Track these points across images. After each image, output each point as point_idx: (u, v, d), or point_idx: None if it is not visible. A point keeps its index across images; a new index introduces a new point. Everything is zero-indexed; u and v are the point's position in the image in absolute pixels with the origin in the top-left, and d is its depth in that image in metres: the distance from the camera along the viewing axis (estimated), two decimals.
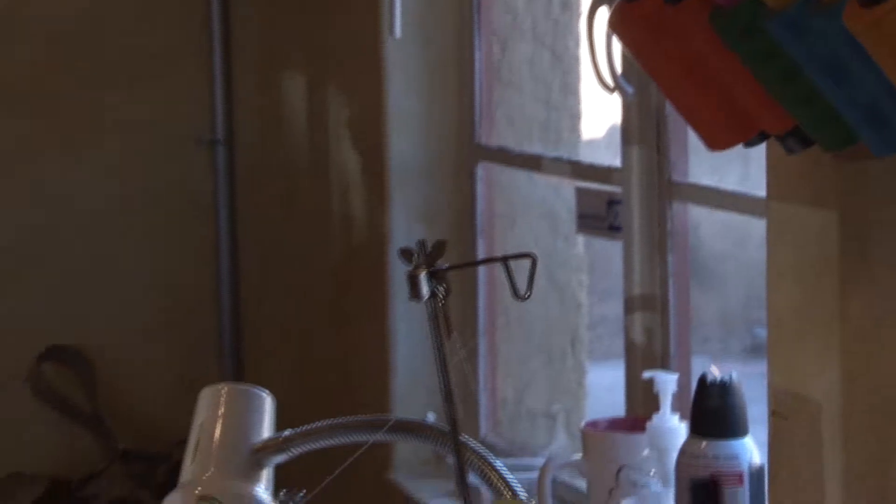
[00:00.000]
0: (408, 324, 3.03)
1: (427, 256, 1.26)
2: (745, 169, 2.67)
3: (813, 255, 1.75)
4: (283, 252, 3.64)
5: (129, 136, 3.79)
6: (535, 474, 2.17)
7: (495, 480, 1.55)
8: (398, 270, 3.00)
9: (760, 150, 1.79)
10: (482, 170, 3.00)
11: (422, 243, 1.27)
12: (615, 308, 3.39)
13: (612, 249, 3.16)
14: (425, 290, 1.26)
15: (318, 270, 3.42)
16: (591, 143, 3.14)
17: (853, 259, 1.70)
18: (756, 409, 1.93)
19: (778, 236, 1.82)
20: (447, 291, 1.27)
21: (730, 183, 2.43)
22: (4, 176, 3.67)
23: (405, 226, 3.02)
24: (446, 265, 1.27)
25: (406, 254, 1.27)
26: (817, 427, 1.76)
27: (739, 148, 1.70)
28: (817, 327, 1.76)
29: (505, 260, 1.27)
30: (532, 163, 2.90)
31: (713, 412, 1.92)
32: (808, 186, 1.75)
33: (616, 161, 2.51)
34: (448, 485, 3.02)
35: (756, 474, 1.91)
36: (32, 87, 3.74)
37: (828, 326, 1.73)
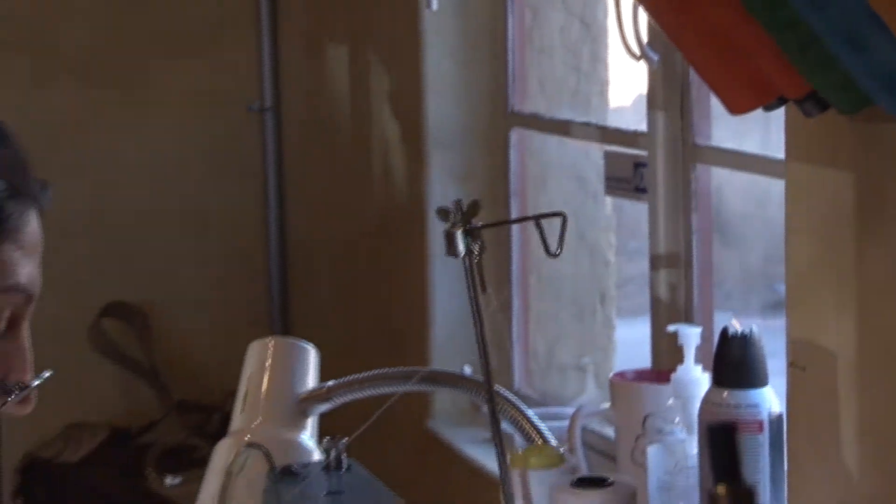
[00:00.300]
0: (446, 280, 3.03)
1: (463, 215, 1.26)
2: (765, 134, 2.65)
3: (829, 212, 1.74)
4: (327, 212, 3.64)
5: (186, 104, 3.81)
6: (565, 423, 2.16)
7: (527, 428, 1.54)
8: (436, 229, 2.99)
9: (779, 116, 1.78)
10: (515, 135, 3.00)
11: (458, 203, 1.26)
12: (642, 267, 3.38)
13: (639, 212, 3.15)
14: (461, 247, 1.25)
15: (360, 230, 3.42)
16: (619, 110, 3.12)
17: (868, 216, 1.69)
18: (776, 362, 1.93)
19: (796, 195, 1.81)
20: (481, 248, 1.26)
21: (750, 147, 2.41)
22: (71, 142, 3.67)
23: (442, 188, 3.02)
24: (480, 224, 1.26)
25: (443, 213, 1.26)
26: (833, 376, 1.75)
27: (759, 114, 1.69)
28: (833, 282, 1.75)
29: (537, 219, 1.26)
30: (562, 128, 2.89)
31: (734, 363, 1.91)
32: (824, 148, 1.73)
33: (642, 126, 2.49)
34: (483, 433, 3.01)
35: (775, 422, 1.91)
36: (96, 59, 3.76)
37: (843, 281, 1.72)
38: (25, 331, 1.34)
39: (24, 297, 1.32)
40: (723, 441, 0.71)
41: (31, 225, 1.32)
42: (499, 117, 3.02)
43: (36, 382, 1.34)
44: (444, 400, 3.09)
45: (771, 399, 1.91)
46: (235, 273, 3.84)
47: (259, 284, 3.84)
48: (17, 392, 1.32)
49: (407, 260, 3.15)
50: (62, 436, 3.67)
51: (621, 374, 2.18)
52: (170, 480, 3.57)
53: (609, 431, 2.42)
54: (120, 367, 3.79)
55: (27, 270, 1.31)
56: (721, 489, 0.71)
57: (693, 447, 2.00)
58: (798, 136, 1.78)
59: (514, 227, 2.96)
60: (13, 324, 1.33)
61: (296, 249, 3.82)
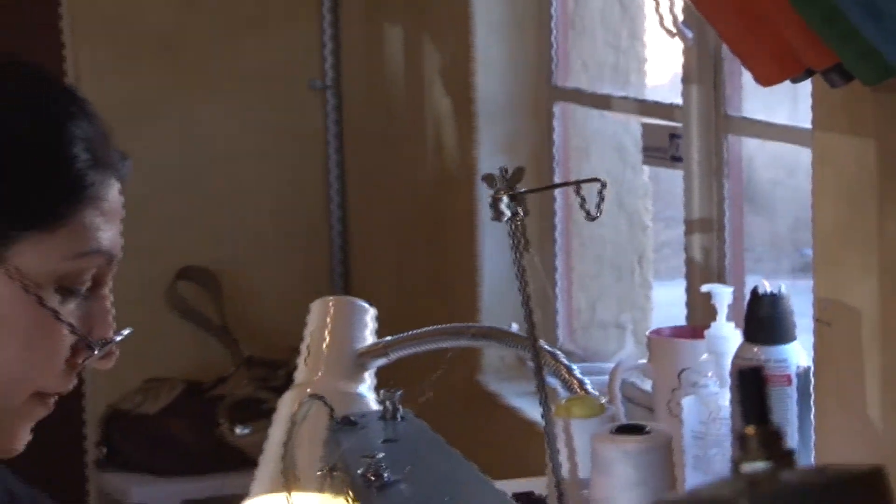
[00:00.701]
0: (493, 243, 3.04)
1: (507, 181, 1.24)
2: (793, 106, 2.63)
3: (853, 178, 1.72)
4: (384, 182, 3.65)
5: (253, 83, 3.82)
6: (606, 377, 2.16)
7: (570, 380, 1.53)
8: (484, 196, 3.00)
9: (805, 88, 1.76)
10: (558, 108, 2.99)
11: (503, 170, 1.25)
12: (676, 233, 3.37)
13: (673, 181, 3.14)
14: (506, 211, 1.24)
15: (414, 197, 3.42)
16: (655, 88, 3.10)
17: (890, 181, 1.67)
18: (803, 321, 1.91)
19: (822, 162, 1.79)
20: (525, 212, 1.25)
21: (779, 118, 2.39)
22: (149, 117, 3.69)
23: (490, 158, 3.02)
24: (524, 189, 1.25)
25: (489, 179, 1.25)
26: (858, 332, 1.74)
27: (787, 86, 1.67)
28: (858, 243, 1.73)
29: (576, 184, 1.24)
30: (603, 102, 2.88)
31: (764, 320, 1.90)
32: (848, 117, 1.72)
33: (677, 100, 2.48)
34: (529, 386, 3.01)
35: (803, 375, 1.90)
36: (170, 41, 3.77)
37: (867, 242, 1.70)
38: (108, 291, 1.34)
39: (106, 260, 1.32)
40: (751, 384, 0.69)
41: (112, 193, 1.32)
42: (543, 92, 3.01)
43: (118, 338, 1.34)
44: (491, 356, 3.09)
45: (799, 354, 1.90)
46: (299, 238, 3.85)
47: (321, 248, 3.85)
48: (100, 347, 1.32)
49: (457, 225, 3.15)
50: (141, 389, 3.68)
51: (658, 331, 2.17)
52: (240, 430, 3.58)
53: (646, 385, 2.41)
54: (194, 325, 3.81)
55: (109, 235, 1.31)
56: (750, 430, 0.69)
57: (725, 399, 1.99)
58: (824, 106, 1.76)
59: (558, 194, 2.95)
60: (96, 284, 1.33)
61: (354, 216, 3.83)
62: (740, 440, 0.69)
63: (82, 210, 1.29)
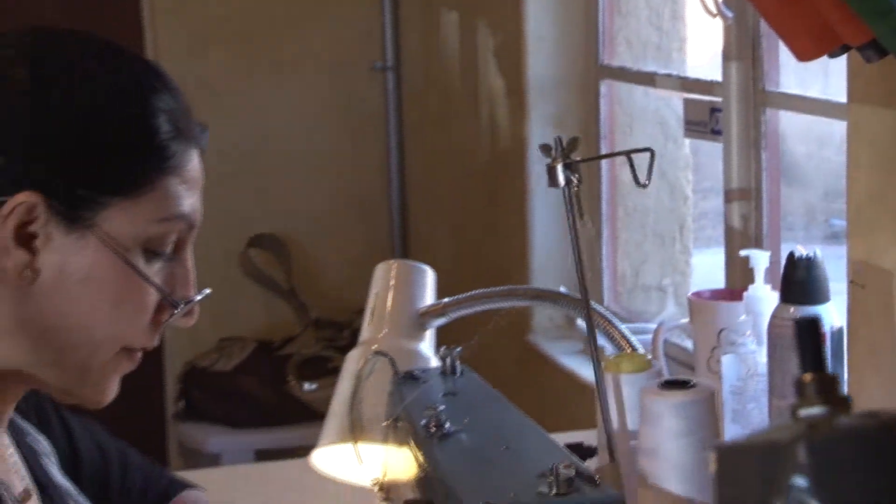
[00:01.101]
0: (542, 211, 3.04)
1: (563, 151, 1.22)
2: (825, 81, 2.59)
3: (887, 148, 1.70)
4: (440, 155, 3.65)
5: (319, 64, 3.84)
6: (649, 336, 2.15)
7: (618, 338, 1.52)
8: (535, 168, 3.01)
9: (837, 65, 1.74)
10: (605, 86, 2.98)
11: (559, 140, 1.23)
12: (711, 204, 3.34)
13: (709, 156, 3.12)
14: (561, 178, 1.22)
15: (469, 170, 3.41)
16: (695, 68, 3.08)
17: None
18: (833, 285, 1.89)
19: (856, 134, 1.77)
20: (579, 180, 1.23)
21: (812, 94, 2.37)
22: (223, 96, 3.70)
23: (540, 133, 3.02)
24: (579, 158, 1.23)
25: (546, 148, 1.23)
26: (889, 292, 1.71)
27: (820, 64, 1.65)
28: (890, 210, 1.70)
29: (628, 153, 1.23)
30: (646, 79, 2.86)
31: (799, 282, 1.88)
32: (882, 90, 1.69)
33: (717, 77, 2.46)
34: (576, 345, 3.01)
35: (836, 334, 1.88)
36: (245, 25, 3.78)
37: None
38: (189, 254, 1.34)
39: (187, 225, 1.32)
40: (809, 334, 0.68)
41: (193, 162, 1.32)
42: (590, 70, 3.00)
43: (198, 297, 1.34)
44: (541, 316, 3.10)
45: (832, 314, 1.88)
46: (361, 208, 3.86)
47: (381, 217, 3.86)
48: (182, 306, 1.32)
49: (509, 195, 3.14)
50: (216, 348, 3.70)
51: (699, 294, 2.15)
52: (307, 386, 3.60)
53: (687, 344, 2.40)
54: (265, 289, 3.82)
55: (190, 202, 1.31)
56: (807, 377, 0.68)
57: (762, 357, 1.97)
58: (859, 80, 1.74)
59: (604, 166, 2.95)
60: (178, 248, 1.33)
61: (412, 186, 3.84)
62: (798, 387, 0.67)
63: (165, 178, 1.29)
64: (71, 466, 1.55)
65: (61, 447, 1.55)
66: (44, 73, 1.27)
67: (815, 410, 0.66)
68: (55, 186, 1.25)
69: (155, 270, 1.30)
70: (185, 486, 1.68)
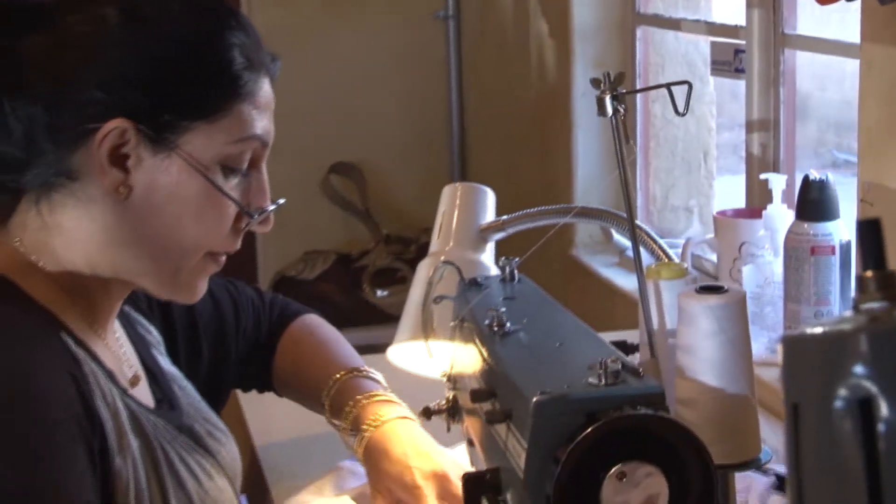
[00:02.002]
0: (585, 140, 3.03)
1: (611, 84, 1.20)
2: (840, 28, 2.54)
3: (894, 81, 1.65)
4: (495, 93, 3.63)
5: (388, 13, 3.80)
6: (678, 250, 2.13)
7: (656, 250, 1.49)
8: (578, 104, 2.99)
9: (849, 10, 1.70)
10: (640, 31, 2.93)
11: (607, 74, 1.20)
12: (725, 136, 3.30)
13: (727, 92, 3.08)
14: (609, 108, 1.19)
15: (520, 105, 3.39)
16: (721, 13, 3.02)
17: None
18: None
19: (868, 69, 1.72)
20: (625, 110, 1.20)
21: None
22: (310, 40, 3.69)
23: (583, 73, 3.00)
24: (624, 90, 1.20)
25: (596, 82, 1.20)
26: (894, 210, 1.68)
27: (827, 12, 1.61)
28: None
29: (668, 86, 1.19)
30: (677, 24, 2.81)
31: (813, 202, 1.86)
32: (893, 30, 1.64)
33: (741, 21, 2.41)
34: (613, 258, 3.00)
35: (845, 247, 1.85)
36: None
37: None
38: (263, 170, 1.33)
39: (260, 144, 1.31)
40: (870, 234, 0.65)
41: (264, 89, 1.31)
42: (627, 17, 2.96)
43: (272, 207, 1.33)
44: (583, 233, 3.08)
45: (841, 229, 1.86)
46: (428, 138, 3.85)
47: (444, 146, 3.86)
48: (257, 215, 1.32)
49: (555, 126, 3.12)
50: (302, 259, 3.71)
51: (723, 212, 2.13)
52: (379, 293, 3.60)
53: (712, 256, 2.38)
54: (343, 209, 3.82)
55: (262, 123, 1.31)
56: (868, 273, 0.65)
57: (779, 267, 1.95)
58: (871, 21, 1.69)
59: (639, 103, 2.92)
60: (253, 164, 1.32)
61: (471, 119, 3.82)
62: (860, 283, 0.65)
63: (239, 104, 1.28)
64: (189, 327, 1.54)
65: (179, 313, 1.54)
66: (133, 14, 1.25)
67: (875, 304, 0.64)
68: (143, 113, 1.24)
69: (232, 185, 1.30)
70: (296, 312, 1.68)
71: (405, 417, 1.49)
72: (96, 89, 1.23)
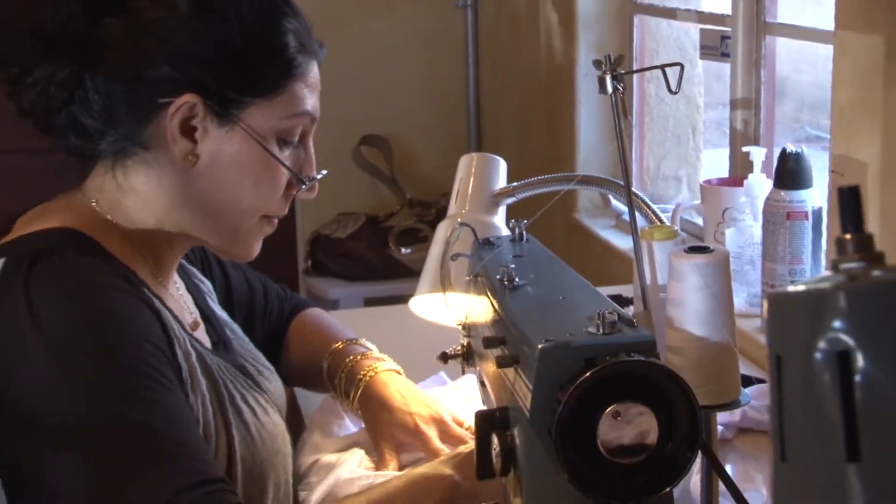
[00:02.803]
0: (586, 116, 3.00)
1: (611, 65, 1.18)
2: (802, 16, 2.51)
3: (865, 65, 1.63)
4: (508, 73, 3.60)
5: (413, 2, 3.78)
6: (668, 214, 2.11)
7: (650, 214, 1.47)
8: (581, 84, 2.96)
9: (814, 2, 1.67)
10: (637, 19, 2.90)
11: (608, 56, 1.19)
12: (710, 115, 3.26)
13: (711, 76, 3.05)
14: (610, 87, 1.17)
15: (530, 84, 3.37)
16: (709, 3, 2.99)
17: (893, 67, 1.58)
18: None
19: (841, 53, 1.70)
20: (623, 88, 1.18)
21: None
22: (342, 24, 3.66)
23: (585, 55, 2.97)
24: (623, 71, 1.19)
25: (598, 63, 1.19)
26: (864, 179, 1.66)
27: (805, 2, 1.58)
28: (866, 113, 1.64)
29: (662, 67, 1.17)
30: (670, 13, 2.78)
31: (789, 171, 1.85)
32: (864, 18, 1.62)
33: (727, 11, 2.38)
34: (610, 221, 2.99)
35: (817, 212, 1.84)
36: None
37: (873, 112, 1.62)
38: (310, 143, 1.33)
39: (310, 119, 1.31)
40: (849, 199, 0.64)
41: (314, 71, 1.31)
42: (626, 6, 2.93)
43: (319, 176, 1.34)
44: (584, 199, 3.07)
45: (814, 197, 1.84)
46: (447, 112, 3.83)
47: (462, 120, 3.84)
48: (307, 182, 1.32)
49: (561, 103, 3.10)
50: (335, 220, 3.70)
51: (709, 181, 2.12)
52: (403, 250, 3.60)
53: (699, 220, 2.36)
54: (372, 176, 3.81)
55: (312, 101, 1.31)
56: (846, 236, 0.64)
57: (758, 230, 1.93)
58: (845, 10, 1.66)
59: (635, 83, 2.89)
60: (303, 138, 1.33)
61: (486, 97, 3.80)
62: (838, 244, 0.63)
63: (293, 83, 1.28)
64: (225, 297, 1.56)
65: (219, 284, 1.56)
66: (202, 1, 1.25)
67: (853, 264, 0.62)
68: (210, 90, 1.24)
69: (286, 156, 1.30)
70: (309, 304, 1.70)
71: (395, 370, 1.51)
72: (169, 67, 1.23)
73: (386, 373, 1.51)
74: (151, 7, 1.24)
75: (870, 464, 0.56)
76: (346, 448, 1.49)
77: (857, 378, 0.58)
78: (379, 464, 1.45)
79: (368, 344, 1.59)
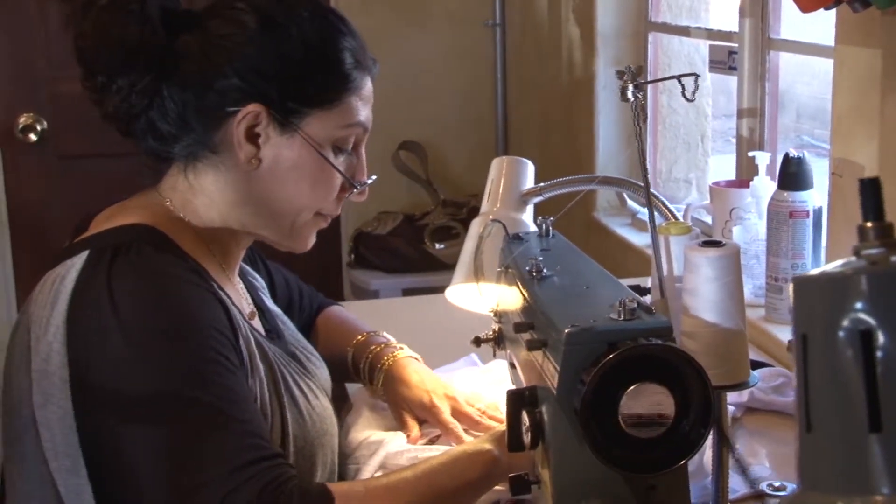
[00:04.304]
0: (605, 125, 2.99)
1: (632, 75, 1.17)
2: (802, 34, 2.48)
3: (863, 76, 1.61)
4: (533, 85, 3.59)
5: (447, 21, 3.77)
6: (680, 214, 2.09)
7: (665, 212, 1.46)
8: (600, 95, 2.95)
9: (824, 18, 1.65)
10: (651, 36, 2.89)
11: (629, 68, 1.18)
12: (724, 123, 3.24)
13: (717, 90, 3.03)
14: (631, 95, 1.16)
15: (553, 95, 3.35)
16: (717, 22, 2.97)
17: (889, 79, 1.55)
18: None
19: (841, 66, 1.68)
20: (644, 97, 1.17)
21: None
22: (383, 39, 3.66)
23: (605, 69, 2.95)
24: (643, 80, 1.18)
25: (620, 73, 1.18)
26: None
27: (803, 20, 1.56)
28: (864, 120, 1.62)
29: (679, 77, 1.16)
30: (682, 31, 2.76)
31: (792, 174, 1.83)
32: (863, 33, 1.59)
33: (734, 28, 2.36)
34: (627, 220, 2.97)
35: (817, 212, 1.82)
36: None
37: (871, 119, 1.60)
38: (363, 151, 1.34)
39: (363, 130, 1.32)
40: (871, 190, 0.63)
41: (367, 85, 1.31)
42: (641, 25, 2.91)
43: (369, 181, 1.34)
44: (602, 199, 3.05)
45: (814, 197, 1.82)
46: (478, 121, 3.82)
47: (491, 128, 3.83)
48: (358, 186, 1.33)
49: (582, 112, 3.08)
50: (376, 218, 3.70)
51: (717, 183, 2.10)
52: (437, 246, 3.59)
53: (708, 218, 2.34)
54: (409, 178, 3.81)
55: (365, 113, 1.31)
56: (868, 224, 0.62)
57: (763, 227, 1.92)
58: (845, 25, 1.64)
59: (650, 94, 2.87)
60: (356, 146, 1.33)
61: (513, 106, 3.79)
62: (860, 231, 0.62)
63: (349, 96, 1.28)
64: (270, 292, 1.57)
65: (265, 280, 1.57)
66: (269, 20, 1.26)
67: (874, 250, 0.61)
68: (274, 100, 1.25)
69: (340, 162, 1.30)
70: (332, 302, 1.71)
71: (413, 357, 1.53)
72: (237, 79, 1.24)
73: (405, 358, 1.54)
74: (223, 24, 1.26)
75: (890, 434, 0.56)
76: (392, 426, 1.50)
77: (879, 354, 0.57)
78: (403, 429, 1.47)
79: (387, 335, 1.60)
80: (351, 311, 1.69)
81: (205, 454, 1.09)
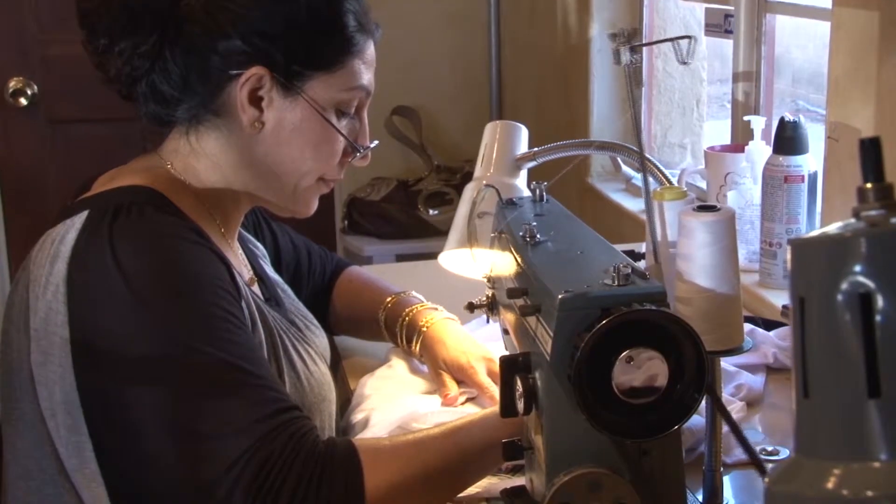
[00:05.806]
0: (599, 88, 2.97)
1: (626, 37, 1.15)
2: None
3: (860, 39, 1.59)
4: (528, 48, 3.57)
5: None
6: (675, 179, 2.08)
7: (660, 176, 1.45)
8: (595, 59, 2.93)
9: None
10: None
11: (623, 30, 1.16)
12: (719, 88, 3.22)
13: (720, 52, 3.00)
14: (624, 58, 1.15)
15: (548, 58, 3.34)
16: None
17: (885, 42, 1.54)
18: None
19: (838, 28, 1.66)
20: (638, 60, 1.16)
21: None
22: (374, 8, 3.60)
23: (599, 32, 2.94)
24: (637, 43, 1.16)
25: (614, 36, 1.16)
26: (856, 144, 1.63)
27: None
28: (861, 83, 1.61)
29: (674, 39, 1.15)
30: None
31: (787, 138, 1.82)
32: None
33: None
34: (621, 185, 2.96)
35: (812, 176, 1.82)
36: None
37: (867, 82, 1.58)
38: (365, 115, 1.34)
39: (365, 93, 1.32)
40: (871, 150, 0.61)
41: (370, 49, 1.31)
42: None
43: (371, 145, 1.34)
44: (596, 164, 3.04)
45: (809, 162, 1.81)
46: (472, 85, 3.80)
47: (485, 92, 3.80)
48: (361, 151, 1.33)
49: (576, 76, 3.07)
50: (370, 184, 3.69)
51: (712, 147, 2.09)
52: (431, 212, 3.58)
53: (702, 184, 2.34)
54: (403, 144, 3.79)
55: (367, 77, 1.31)
56: (868, 185, 0.61)
57: (757, 192, 1.91)
58: None
59: (645, 58, 2.85)
60: (358, 110, 1.33)
61: (507, 70, 3.76)
62: (860, 193, 0.61)
63: (352, 59, 1.28)
64: (274, 258, 1.57)
65: (270, 247, 1.57)
66: None
67: (874, 212, 0.60)
68: (277, 63, 1.25)
69: (343, 125, 1.30)
70: (349, 263, 1.71)
71: (450, 318, 1.53)
72: (240, 42, 1.23)
73: (443, 320, 1.55)
74: None
75: (889, 399, 0.55)
76: (429, 388, 1.51)
77: (878, 318, 0.56)
78: (442, 388, 1.49)
79: (419, 296, 1.60)
80: None
81: (217, 410, 1.08)
